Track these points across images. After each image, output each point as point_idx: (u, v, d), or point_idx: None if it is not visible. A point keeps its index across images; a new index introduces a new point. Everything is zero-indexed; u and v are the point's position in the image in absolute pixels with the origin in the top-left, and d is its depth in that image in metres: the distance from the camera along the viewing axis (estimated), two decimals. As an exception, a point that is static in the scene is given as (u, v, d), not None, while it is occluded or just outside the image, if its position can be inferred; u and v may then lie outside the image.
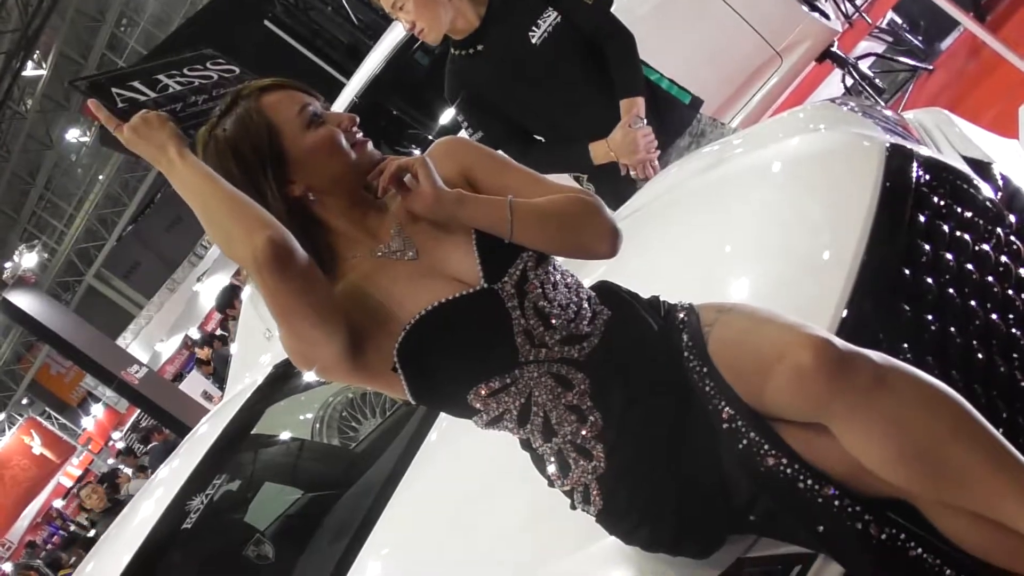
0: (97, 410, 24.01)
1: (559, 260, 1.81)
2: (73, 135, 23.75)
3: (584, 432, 1.67)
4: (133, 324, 25.65)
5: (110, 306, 26.70)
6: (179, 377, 16.76)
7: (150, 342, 23.89)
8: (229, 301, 11.71)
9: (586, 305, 1.74)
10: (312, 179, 1.75)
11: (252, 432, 3.57)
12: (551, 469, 1.72)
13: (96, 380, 16.57)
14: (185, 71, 1.85)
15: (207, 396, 11.95)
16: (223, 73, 1.92)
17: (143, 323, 25.30)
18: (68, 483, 22.89)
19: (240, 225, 1.57)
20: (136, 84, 1.82)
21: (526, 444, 1.75)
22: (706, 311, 1.73)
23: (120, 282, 26.61)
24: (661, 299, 1.82)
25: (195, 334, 18.83)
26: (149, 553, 3.04)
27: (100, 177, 25.65)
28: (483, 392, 1.69)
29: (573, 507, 1.74)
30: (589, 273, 2.51)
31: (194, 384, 12.83)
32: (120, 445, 19.48)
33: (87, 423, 24.47)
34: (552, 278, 1.73)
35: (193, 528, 3.08)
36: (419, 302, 1.67)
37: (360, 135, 1.80)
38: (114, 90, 1.74)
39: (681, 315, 1.75)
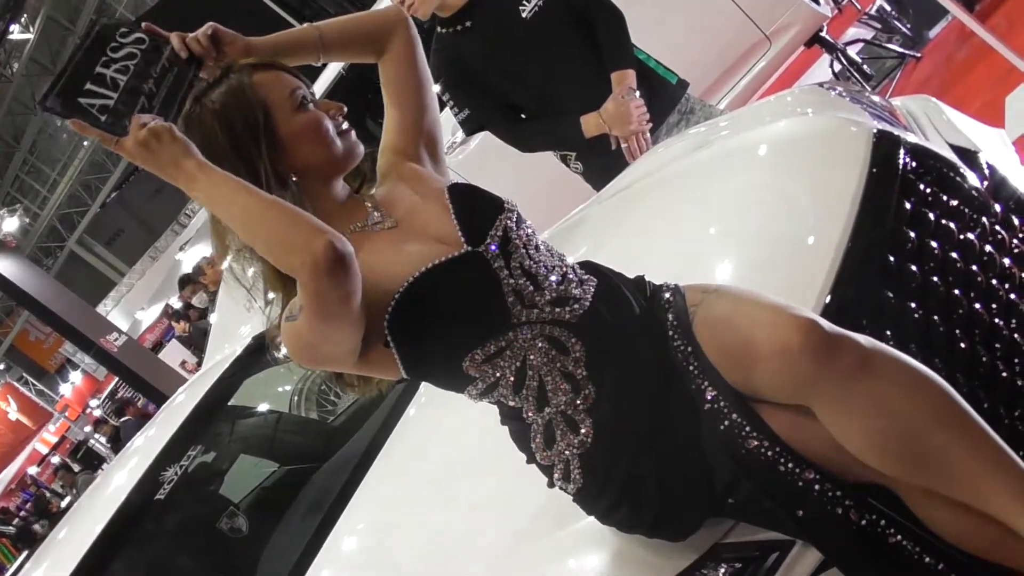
0: (75, 377, 23.94)
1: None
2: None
3: (577, 403, 1.65)
4: (114, 292, 25.54)
5: (91, 273, 26.59)
6: (159, 346, 16.69)
7: (130, 310, 23.79)
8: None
9: (571, 271, 1.73)
10: (296, 161, 1.75)
11: (229, 403, 3.54)
12: (536, 442, 1.69)
13: (75, 347, 16.50)
14: (109, 53, 1.80)
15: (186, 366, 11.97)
16: (137, 46, 1.87)
17: (124, 291, 25.19)
18: (44, 450, 22.83)
19: (296, 231, 1.54)
20: (92, 87, 1.77)
21: (510, 416, 1.73)
22: (692, 291, 1.71)
23: (102, 249, 26.49)
24: (646, 279, 1.80)
25: (176, 303, 18.78)
26: (121, 523, 3.01)
27: (85, 143, 25.45)
28: (478, 357, 1.66)
29: (551, 485, 1.72)
30: (572, 252, 2.49)
31: (173, 353, 12.80)
32: (97, 413, 19.43)
33: (65, 390, 24.40)
34: (534, 240, 1.73)
35: (167, 499, 3.05)
36: (405, 270, 1.65)
37: (345, 125, 1.80)
38: (83, 101, 1.69)
39: (666, 295, 1.73)
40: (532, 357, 1.66)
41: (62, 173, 26.26)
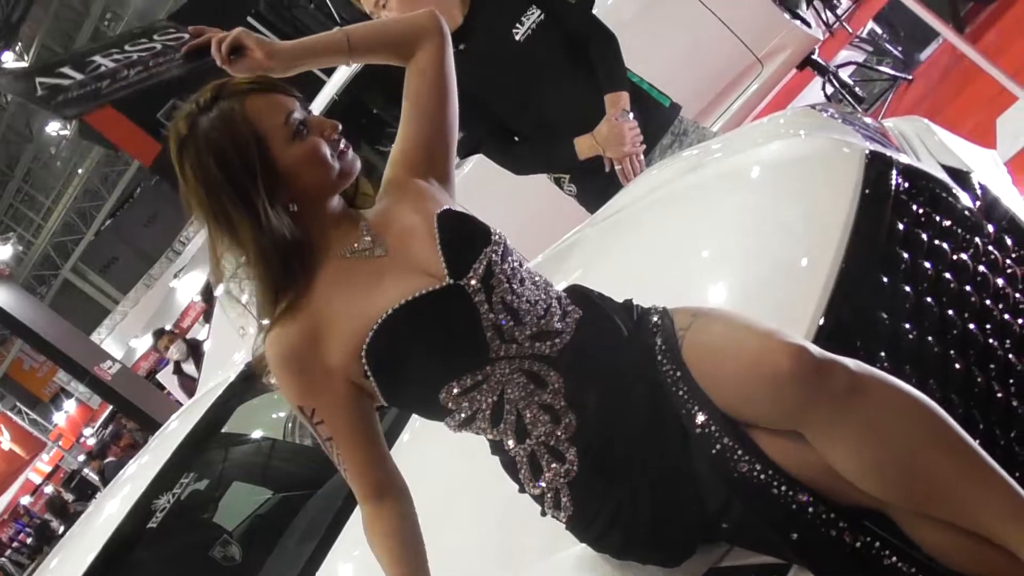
0: (69, 406, 23.85)
1: (528, 262, 1.80)
2: (53, 128, 23.57)
3: (558, 433, 1.64)
4: (108, 319, 25.49)
5: (86, 301, 26.54)
6: (152, 373, 16.65)
7: (125, 338, 23.75)
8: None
9: (555, 303, 1.72)
10: (293, 190, 1.73)
11: (222, 430, 3.52)
12: (523, 473, 1.69)
13: (69, 375, 16.44)
14: (127, 47, 1.80)
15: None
16: (168, 42, 1.87)
17: (118, 319, 25.15)
18: (37, 479, 22.72)
19: None
20: (65, 70, 1.78)
21: (496, 448, 1.72)
22: (680, 315, 1.71)
23: (97, 276, 26.45)
24: (634, 303, 1.79)
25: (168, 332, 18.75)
26: (114, 551, 2.99)
27: (79, 171, 25.48)
28: (454, 390, 1.66)
29: (543, 513, 1.71)
30: (566, 275, 2.49)
31: (167, 381, 12.77)
32: (91, 442, 19.35)
33: (58, 419, 24.30)
34: (519, 274, 1.72)
35: (159, 527, 3.03)
36: (385, 302, 1.66)
37: (343, 143, 1.79)
38: (38, 80, 1.69)
39: (654, 318, 1.72)
40: (510, 391, 1.66)
41: (56, 201, 26.26)
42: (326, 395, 1.71)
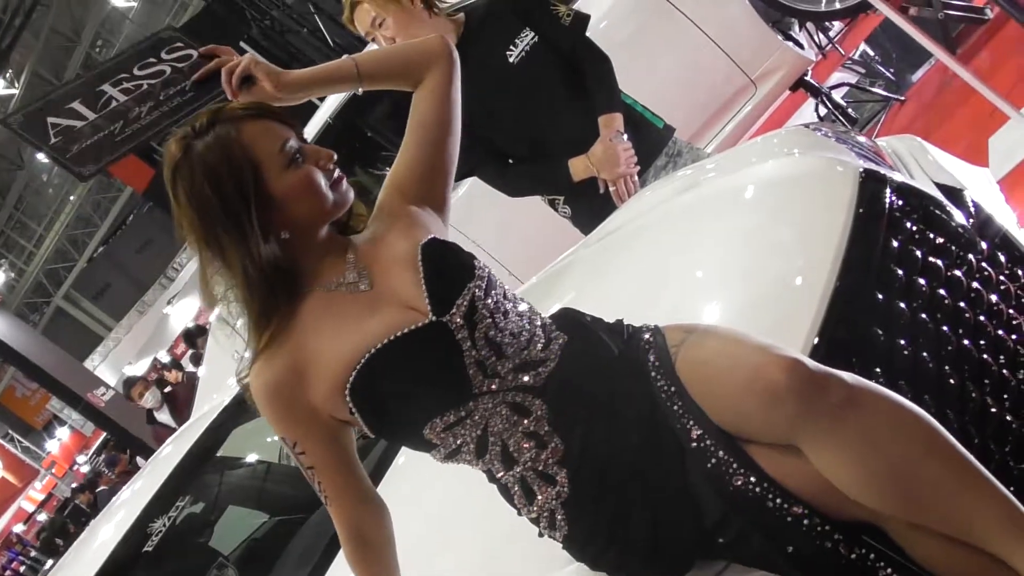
0: (62, 433, 23.77)
1: (513, 289, 1.81)
2: (45, 155, 23.57)
3: (544, 457, 1.65)
4: (101, 346, 25.45)
5: (78, 328, 26.51)
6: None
7: (118, 365, 23.69)
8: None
9: (539, 332, 1.73)
10: (286, 218, 1.74)
11: (217, 454, 3.52)
12: (516, 498, 1.70)
13: (62, 403, 16.41)
14: (135, 71, 1.80)
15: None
16: (175, 63, 1.87)
17: (111, 345, 25.11)
18: (30, 508, 22.61)
19: None
20: (76, 106, 1.77)
21: (489, 476, 1.74)
22: (672, 331, 1.72)
23: (89, 304, 26.42)
24: (625, 323, 1.80)
25: (164, 357, 18.71)
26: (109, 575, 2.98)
27: (71, 198, 25.50)
28: (438, 427, 1.68)
29: (540, 535, 1.72)
30: (560, 297, 2.50)
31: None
32: (85, 469, 19.28)
33: (51, 446, 24.21)
34: (503, 307, 1.73)
35: (155, 551, 3.03)
36: (369, 340, 1.67)
37: (337, 172, 1.80)
38: (50, 120, 1.68)
39: (646, 336, 1.73)
40: (493, 424, 1.67)
41: (48, 228, 26.27)
42: (309, 427, 1.74)
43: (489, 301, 1.71)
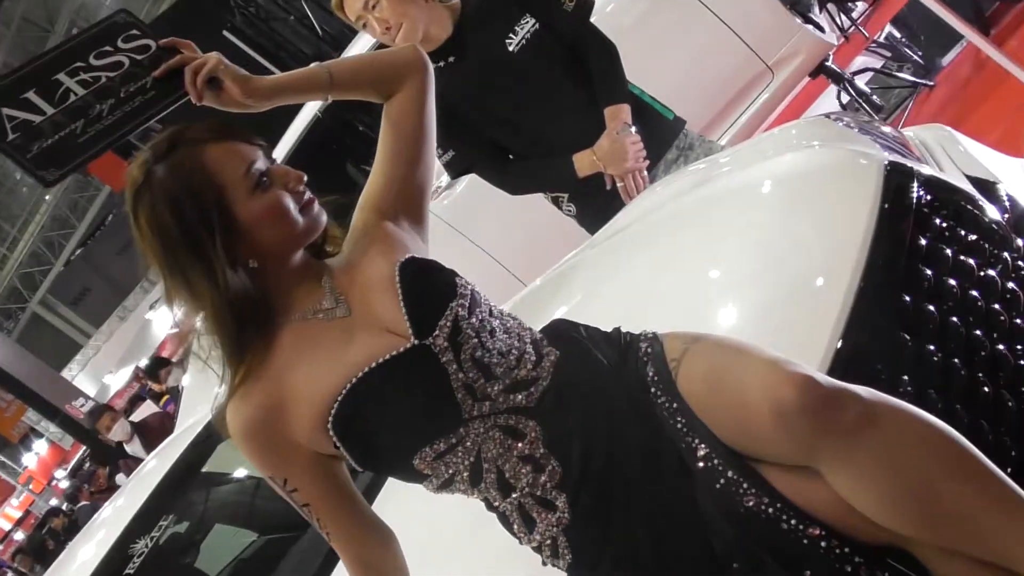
0: (40, 447, 23.78)
1: (500, 306, 1.80)
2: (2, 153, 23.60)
3: (543, 480, 1.64)
4: (80, 355, 25.49)
5: (56, 335, 26.54)
6: (129, 411, 16.63)
7: (98, 374, 23.73)
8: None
9: (530, 348, 1.72)
10: (253, 245, 1.73)
11: (203, 470, 3.51)
12: (516, 527, 1.69)
13: (39, 415, 16.43)
14: (92, 60, 1.77)
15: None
16: (133, 54, 1.84)
17: (91, 353, 25.15)
18: (7, 526, 22.63)
19: None
20: (32, 96, 1.75)
21: (488, 505, 1.73)
22: (672, 341, 1.70)
23: (67, 309, 26.46)
24: (623, 330, 1.79)
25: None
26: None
27: (47, 197, 25.52)
28: (429, 456, 1.67)
29: (544, 563, 1.71)
30: (566, 300, 2.49)
31: (149, 411, 12.75)
32: (64, 484, 19.28)
33: (28, 460, 24.23)
34: (488, 325, 1.72)
35: (136, 574, 3.02)
36: (349, 369, 1.67)
37: (307, 194, 1.78)
38: (5, 112, 1.64)
39: (643, 346, 1.71)
40: (487, 450, 1.66)
41: (23, 230, 26.29)
42: (295, 466, 1.74)
43: (474, 320, 1.70)
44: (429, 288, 1.73)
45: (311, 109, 5.97)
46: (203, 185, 1.70)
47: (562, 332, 1.79)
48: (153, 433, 9.93)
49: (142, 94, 1.82)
